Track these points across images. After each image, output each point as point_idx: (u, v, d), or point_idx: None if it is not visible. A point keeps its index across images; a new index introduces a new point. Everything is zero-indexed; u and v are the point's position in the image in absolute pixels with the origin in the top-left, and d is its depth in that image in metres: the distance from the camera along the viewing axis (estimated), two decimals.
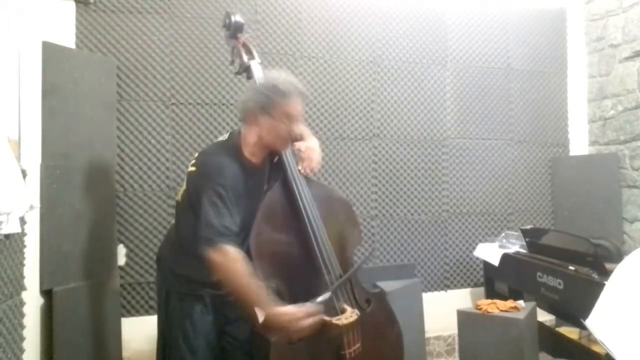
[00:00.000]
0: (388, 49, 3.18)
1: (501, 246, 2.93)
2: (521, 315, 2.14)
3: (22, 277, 1.85)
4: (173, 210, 2.64)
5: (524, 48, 3.45)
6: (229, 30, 2.05)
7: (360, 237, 2.44)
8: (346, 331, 1.68)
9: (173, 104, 2.75)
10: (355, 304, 1.81)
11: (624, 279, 1.82)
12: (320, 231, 1.78)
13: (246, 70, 1.99)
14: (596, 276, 2.07)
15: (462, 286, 3.28)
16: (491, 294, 2.93)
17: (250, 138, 1.73)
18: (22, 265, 1.86)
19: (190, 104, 2.78)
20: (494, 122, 3.38)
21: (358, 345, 1.73)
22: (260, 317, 1.49)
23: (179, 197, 1.82)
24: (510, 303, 2.25)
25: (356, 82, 3.11)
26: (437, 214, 3.24)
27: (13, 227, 1.68)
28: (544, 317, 2.78)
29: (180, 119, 2.76)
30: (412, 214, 3.19)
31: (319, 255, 1.75)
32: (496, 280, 2.96)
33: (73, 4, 2.55)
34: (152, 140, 2.70)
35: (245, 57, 2.00)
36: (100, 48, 2.61)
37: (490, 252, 2.94)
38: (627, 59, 3.14)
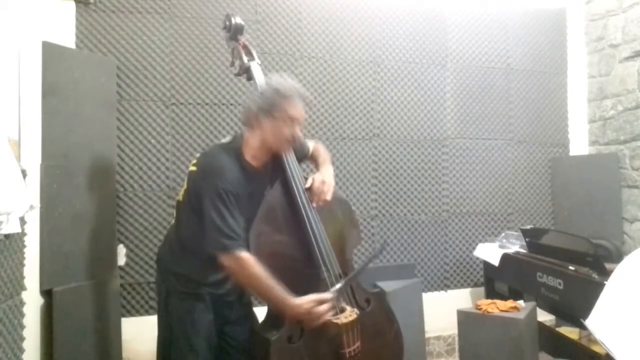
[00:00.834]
0: (388, 49, 3.18)
1: (501, 246, 2.93)
2: (521, 315, 2.15)
3: (22, 277, 1.85)
4: (173, 210, 2.64)
5: (524, 48, 3.45)
6: (229, 32, 2.06)
7: (360, 237, 2.44)
8: (345, 330, 1.69)
9: (173, 104, 2.75)
10: (355, 304, 1.82)
11: (624, 279, 1.82)
12: (319, 231, 1.79)
13: (246, 71, 2.00)
14: (596, 276, 2.08)
15: (462, 286, 3.28)
16: (491, 294, 2.93)
17: (253, 141, 1.73)
18: (22, 265, 1.85)
19: (190, 104, 2.78)
20: (494, 122, 3.38)
21: (357, 344, 1.73)
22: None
23: (179, 197, 1.82)
24: (510, 303, 2.25)
25: (356, 82, 3.11)
26: (437, 214, 3.24)
27: (13, 227, 1.68)
28: (544, 317, 2.78)
29: (180, 119, 2.76)
30: (412, 214, 3.19)
31: (318, 254, 1.76)
32: (496, 280, 2.96)
33: (73, 4, 2.55)
34: (152, 140, 2.70)
35: (245, 59, 2.00)
36: (100, 48, 2.61)
37: (490, 252, 2.94)
38: (627, 59, 3.14)
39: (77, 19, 2.58)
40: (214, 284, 1.74)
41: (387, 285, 2.63)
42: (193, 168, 1.75)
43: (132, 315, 2.62)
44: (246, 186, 1.69)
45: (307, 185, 1.83)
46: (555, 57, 3.52)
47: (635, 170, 3.07)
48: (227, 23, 2.06)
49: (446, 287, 3.25)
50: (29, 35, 2.04)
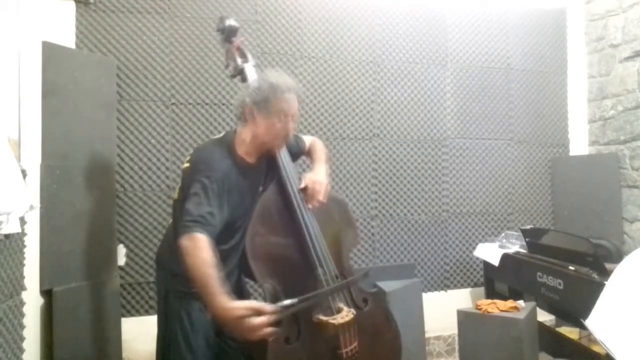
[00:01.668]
0: (388, 49, 3.18)
1: (501, 246, 2.93)
2: (521, 315, 2.14)
3: (22, 277, 1.85)
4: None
5: (524, 48, 3.45)
6: (223, 34, 2.05)
7: (357, 238, 2.43)
8: (342, 330, 1.69)
9: (173, 104, 2.75)
10: (352, 304, 1.81)
11: (624, 279, 1.82)
12: (315, 231, 1.78)
13: (240, 73, 2.00)
14: (596, 276, 2.07)
15: (462, 286, 3.28)
16: (491, 294, 2.93)
17: (246, 136, 1.73)
18: (22, 265, 1.86)
19: (190, 104, 2.78)
20: (494, 122, 3.38)
21: (355, 344, 1.73)
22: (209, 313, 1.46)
23: (175, 195, 1.82)
24: (510, 303, 2.25)
25: (356, 82, 3.11)
26: (437, 214, 3.24)
27: (13, 227, 1.68)
28: (544, 317, 2.79)
29: (180, 119, 2.76)
30: (412, 214, 3.19)
31: (314, 255, 1.75)
32: (496, 280, 2.96)
33: (73, 4, 2.55)
34: (152, 140, 2.70)
35: (239, 60, 2.00)
36: (100, 48, 2.61)
37: (490, 252, 2.94)
38: (627, 59, 3.14)
39: (77, 19, 2.58)
40: None
41: (387, 285, 2.63)
42: (186, 165, 1.75)
43: (132, 315, 2.62)
44: (237, 180, 1.69)
45: (301, 186, 1.81)
46: (555, 57, 3.52)
47: (635, 170, 3.07)
48: (221, 25, 2.05)
49: (446, 287, 3.25)
50: (29, 35, 2.04)
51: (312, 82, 3.00)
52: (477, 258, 3.14)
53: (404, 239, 3.17)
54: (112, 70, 2.60)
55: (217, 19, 2.10)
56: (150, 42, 2.71)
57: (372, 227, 3.10)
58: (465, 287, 3.29)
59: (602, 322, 1.76)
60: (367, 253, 3.05)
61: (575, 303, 2.17)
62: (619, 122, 3.20)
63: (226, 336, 1.82)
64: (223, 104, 2.82)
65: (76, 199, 2.27)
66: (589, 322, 1.79)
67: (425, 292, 3.09)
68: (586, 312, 1.83)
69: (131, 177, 2.66)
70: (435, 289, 3.22)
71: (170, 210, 2.66)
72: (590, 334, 2.06)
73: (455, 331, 2.37)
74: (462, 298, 3.21)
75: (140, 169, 2.67)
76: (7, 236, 1.70)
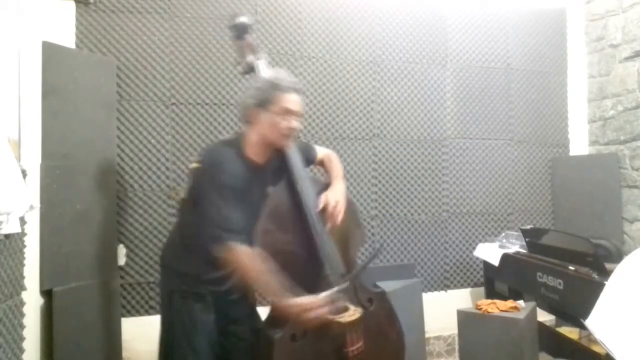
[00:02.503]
0: (388, 49, 3.18)
1: (501, 246, 2.93)
2: (521, 315, 2.15)
3: (22, 277, 1.85)
4: (173, 210, 2.66)
5: (524, 48, 3.45)
6: (236, 31, 2.05)
7: (364, 237, 2.44)
8: (349, 329, 1.70)
9: (173, 104, 2.75)
10: (358, 303, 1.82)
11: (624, 279, 1.82)
12: (322, 230, 1.79)
13: (252, 70, 2.01)
14: (596, 276, 2.07)
15: (462, 286, 3.28)
16: (491, 294, 2.93)
17: (252, 137, 1.74)
18: (22, 265, 1.86)
19: (190, 104, 2.78)
20: (494, 122, 3.38)
21: (360, 343, 1.74)
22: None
23: (184, 195, 1.83)
24: (510, 303, 2.25)
25: (356, 82, 3.11)
26: (437, 214, 3.24)
27: (13, 227, 1.68)
28: (544, 317, 2.78)
29: (180, 119, 2.76)
30: (412, 214, 3.19)
31: (322, 253, 1.76)
32: (496, 280, 2.96)
33: (73, 4, 2.55)
34: (152, 140, 2.70)
35: (251, 57, 2.01)
36: (100, 48, 2.61)
37: (490, 252, 2.94)
38: (627, 59, 3.14)
39: (77, 19, 2.57)
40: (216, 282, 1.74)
41: (387, 285, 2.61)
42: (195, 165, 1.76)
43: (132, 315, 2.62)
44: (247, 181, 1.69)
45: (320, 207, 1.81)
46: (555, 57, 3.52)
47: (635, 170, 3.07)
48: (233, 22, 2.06)
49: (446, 287, 3.25)
50: (29, 35, 2.04)
51: (312, 82, 3.00)
52: (477, 258, 3.14)
53: (404, 239, 3.17)
54: (112, 70, 2.60)
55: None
56: (150, 42, 2.71)
57: (372, 227, 3.10)
58: (465, 287, 3.29)
59: (602, 322, 1.76)
60: (367, 253, 3.05)
61: (575, 303, 2.17)
62: (619, 122, 3.20)
63: (232, 335, 1.83)
64: (223, 104, 2.82)
65: (76, 199, 2.27)
66: (589, 322, 1.79)
67: (425, 292, 3.09)
68: (586, 312, 1.83)
69: (131, 177, 2.66)
70: (435, 289, 3.22)
71: (170, 210, 2.67)
72: (590, 334, 2.06)
73: (455, 331, 2.37)
74: (462, 298, 3.21)
75: (140, 169, 2.67)
76: (7, 236, 1.70)
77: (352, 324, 1.69)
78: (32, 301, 1.95)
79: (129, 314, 2.62)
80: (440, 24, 3.29)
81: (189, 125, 2.77)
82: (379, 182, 3.13)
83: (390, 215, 3.14)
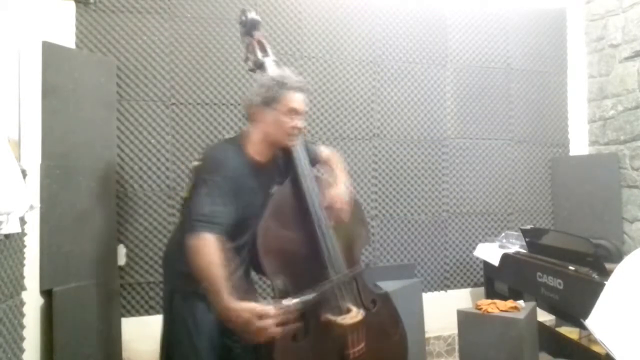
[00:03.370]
0: (388, 49, 3.18)
1: (501, 246, 2.93)
2: (521, 315, 2.14)
3: (22, 277, 1.85)
4: (173, 210, 2.66)
5: (524, 48, 3.45)
6: (245, 27, 2.04)
7: (369, 237, 2.42)
8: (350, 331, 1.69)
9: (173, 104, 2.75)
10: (361, 304, 1.81)
11: (624, 279, 1.82)
12: (327, 230, 1.79)
13: (260, 67, 1.99)
14: (596, 276, 2.07)
15: (462, 286, 3.28)
16: (491, 294, 2.93)
17: (256, 135, 1.74)
18: (22, 265, 1.86)
19: (190, 104, 2.78)
20: (494, 122, 3.38)
21: (362, 345, 1.73)
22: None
23: (186, 194, 1.82)
24: (510, 303, 2.25)
25: (356, 82, 3.11)
26: (437, 214, 3.24)
27: (13, 227, 1.68)
28: (544, 317, 2.78)
29: (180, 119, 2.76)
30: (412, 214, 3.19)
31: (325, 253, 1.76)
32: (496, 280, 2.96)
33: (73, 4, 2.55)
34: (152, 140, 2.70)
35: (259, 54, 1.99)
36: (100, 48, 2.61)
37: (490, 252, 2.94)
38: (627, 59, 3.14)
39: (77, 19, 2.57)
40: None
41: (387, 285, 2.62)
42: (196, 163, 1.76)
43: (132, 315, 2.62)
44: (249, 179, 1.69)
45: (326, 204, 1.80)
46: (555, 57, 3.52)
47: (635, 170, 3.07)
48: (243, 18, 2.04)
49: (446, 287, 3.25)
50: (29, 35, 2.04)
51: (312, 82, 3.00)
52: (477, 258, 3.14)
53: (404, 239, 3.17)
54: (112, 70, 2.60)
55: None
56: (150, 42, 2.71)
57: (372, 227, 3.09)
58: (465, 287, 3.29)
59: (602, 322, 1.76)
60: (367, 253, 3.05)
61: (575, 303, 2.17)
62: (619, 122, 3.20)
63: (233, 335, 1.82)
64: (223, 104, 2.82)
65: (76, 199, 2.27)
66: (589, 322, 1.79)
67: (425, 292, 3.09)
68: (586, 312, 1.83)
69: (131, 177, 2.66)
70: (435, 289, 3.22)
71: (170, 210, 2.67)
72: (590, 334, 2.06)
73: (455, 331, 2.37)
74: (462, 298, 3.21)
75: (140, 169, 2.67)
76: (7, 236, 1.69)
77: (354, 325, 1.68)
78: (32, 301, 1.95)
79: (129, 314, 2.62)
80: (440, 24, 3.29)
81: (189, 125, 2.77)
82: (379, 182, 3.13)
83: (390, 215, 3.14)
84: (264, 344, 1.72)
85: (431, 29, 3.27)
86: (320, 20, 3.05)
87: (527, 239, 2.64)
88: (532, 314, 2.28)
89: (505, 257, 2.77)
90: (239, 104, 2.80)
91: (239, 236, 1.71)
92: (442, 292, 3.24)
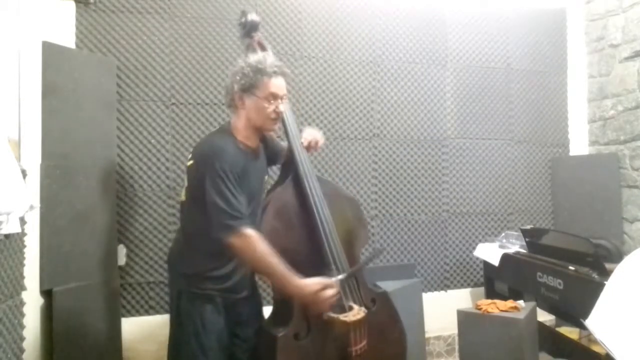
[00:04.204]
0: (388, 49, 3.18)
1: (501, 246, 2.93)
2: (521, 315, 2.14)
3: (22, 277, 1.85)
4: (173, 210, 2.66)
5: (524, 48, 3.45)
6: (244, 29, 2.04)
7: (368, 237, 2.46)
8: (353, 328, 1.70)
9: (173, 104, 2.75)
10: (362, 303, 1.82)
11: (624, 279, 1.82)
12: (330, 229, 1.81)
13: None
14: (596, 276, 2.07)
15: (462, 286, 3.28)
16: (491, 294, 2.93)
17: (240, 122, 1.75)
18: (22, 265, 1.86)
19: (190, 104, 2.78)
20: (494, 122, 3.38)
21: (364, 343, 1.75)
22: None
23: (182, 197, 1.82)
24: (510, 303, 2.25)
25: (356, 82, 3.11)
26: (437, 214, 3.24)
27: (13, 227, 1.68)
28: (544, 317, 2.78)
29: (180, 119, 2.76)
30: (412, 214, 3.19)
31: (328, 252, 1.77)
32: (496, 280, 2.96)
33: (73, 4, 2.55)
34: (152, 140, 2.70)
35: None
36: (100, 48, 2.61)
37: (490, 252, 2.94)
38: (627, 59, 3.14)
39: (77, 19, 2.57)
40: (221, 279, 1.73)
41: (387, 285, 2.62)
42: (190, 162, 1.75)
43: (132, 315, 2.62)
44: (246, 165, 1.70)
45: (304, 143, 1.97)
46: (555, 57, 3.52)
47: (635, 170, 3.07)
48: (243, 19, 2.05)
49: (446, 287, 3.25)
50: (29, 35, 2.04)
51: (312, 82, 3.00)
52: (477, 258, 3.14)
53: (404, 239, 3.17)
54: (112, 70, 2.60)
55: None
56: (150, 42, 2.71)
57: (372, 227, 3.09)
58: (465, 287, 3.29)
59: (602, 322, 1.76)
60: (367, 253, 3.04)
61: (575, 303, 2.17)
62: (619, 122, 3.20)
63: (238, 338, 1.82)
64: (223, 104, 2.82)
65: (76, 199, 2.27)
66: (589, 322, 1.79)
67: (425, 292, 3.09)
68: (586, 312, 1.83)
69: (131, 177, 2.65)
70: (435, 289, 3.22)
71: (170, 210, 2.67)
72: (590, 334, 2.06)
73: (455, 331, 2.37)
74: (462, 298, 3.21)
75: (140, 169, 2.67)
76: (7, 236, 1.70)
77: (356, 323, 1.70)
78: (32, 301, 1.95)
79: (129, 314, 2.61)
80: (440, 24, 3.29)
81: (189, 125, 2.77)
82: (379, 182, 3.13)
83: (390, 215, 3.14)
84: (267, 342, 1.73)
85: (431, 29, 3.27)
86: (320, 20, 3.05)
87: (527, 239, 2.64)
88: (532, 314, 2.28)
89: (505, 257, 2.77)
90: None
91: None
92: (442, 292, 3.24)
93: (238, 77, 1.72)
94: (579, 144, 3.54)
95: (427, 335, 2.94)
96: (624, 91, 3.16)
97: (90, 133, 2.39)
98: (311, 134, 2.05)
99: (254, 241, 1.57)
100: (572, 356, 2.45)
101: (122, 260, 2.60)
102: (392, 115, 3.17)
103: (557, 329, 2.92)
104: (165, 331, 1.87)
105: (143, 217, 2.66)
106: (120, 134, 2.64)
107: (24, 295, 1.86)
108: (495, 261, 2.83)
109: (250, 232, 1.57)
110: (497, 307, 2.22)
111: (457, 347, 2.68)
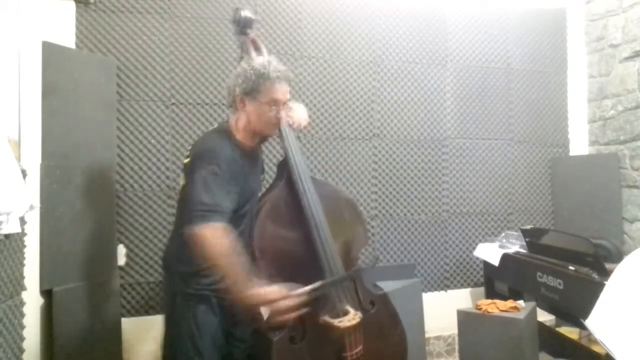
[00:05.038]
0: (388, 49, 3.18)
1: (501, 246, 2.93)
2: (521, 315, 2.14)
3: (22, 277, 1.85)
4: (173, 210, 2.65)
5: (524, 48, 3.45)
6: (238, 26, 2.02)
7: (367, 238, 2.42)
8: (347, 334, 1.69)
9: (173, 104, 2.75)
10: (359, 306, 1.81)
11: (624, 279, 1.82)
12: (323, 231, 1.78)
13: None
14: (596, 276, 2.07)
15: (462, 286, 3.28)
16: (491, 294, 2.93)
17: (240, 123, 1.74)
18: (22, 265, 1.86)
19: (190, 104, 2.78)
20: (494, 122, 3.38)
21: (360, 347, 1.72)
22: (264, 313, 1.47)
23: (180, 196, 1.82)
24: (510, 303, 2.25)
25: (356, 82, 3.11)
26: (437, 214, 3.24)
27: (13, 227, 1.68)
28: (544, 317, 2.78)
29: (180, 119, 2.76)
30: (412, 214, 3.19)
31: (322, 255, 1.75)
32: (496, 280, 2.96)
33: (73, 4, 2.55)
34: (152, 140, 2.70)
35: (253, 54, 1.97)
36: (100, 48, 2.61)
37: (490, 252, 2.93)
38: (627, 59, 3.13)
39: (77, 19, 2.57)
40: (215, 280, 1.72)
41: (387, 285, 2.61)
42: (186, 160, 1.75)
43: (132, 315, 2.62)
44: (242, 164, 1.70)
45: (291, 123, 1.92)
46: (555, 57, 3.52)
47: (635, 170, 3.07)
48: (236, 16, 2.02)
49: (446, 287, 3.25)
50: (29, 35, 2.03)
51: (312, 82, 3.00)
52: (477, 258, 3.14)
53: (404, 239, 3.17)
54: (112, 70, 2.60)
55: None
56: (150, 42, 2.71)
57: (372, 227, 3.09)
58: (465, 287, 3.29)
59: (602, 322, 1.76)
60: (367, 253, 3.05)
61: (575, 303, 2.17)
62: (619, 122, 3.20)
63: (234, 338, 1.82)
64: (223, 104, 2.82)
65: (76, 199, 2.27)
66: (589, 322, 1.79)
67: (425, 292, 3.09)
68: (586, 312, 1.83)
69: (131, 177, 2.65)
70: (435, 289, 3.22)
71: (170, 210, 2.67)
72: (590, 334, 2.06)
73: (455, 331, 2.37)
74: (462, 298, 3.21)
75: (140, 169, 2.67)
76: (7, 236, 1.70)
77: (351, 328, 1.68)
78: (32, 301, 1.95)
79: (129, 314, 2.61)
80: (440, 24, 3.29)
81: (189, 125, 2.77)
82: (379, 182, 3.13)
83: (390, 215, 3.14)
84: (262, 346, 1.72)
85: (431, 29, 3.27)
86: (320, 20, 3.05)
87: (527, 239, 2.64)
88: (532, 314, 2.28)
89: (505, 257, 2.77)
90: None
91: (237, 225, 1.70)
92: (442, 292, 3.24)
93: (240, 80, 1.71)
94: (579, 144, 3.54)
95: (427, 335, 2.94)
96: (624, 91, 3.15)
97: (90, 133, 2.39)
98: (297, 113, 1.98)
99: (222, 234, 1.46)
100: (572, 356, 2.45)
101: (122, 260, 2.60)
102: (392, 115, 3.17)
103: (557, 329, 2.92)
104: None
105: (143, 217, 2.66)
106: (120, 134, 2.64)
107: (24, 295, 1.86)
108: (495, 261, 2.83)
109: (218, 225, 1.47)
110: (497, 307, 2.22)
111: (457, 347, 2.68)
